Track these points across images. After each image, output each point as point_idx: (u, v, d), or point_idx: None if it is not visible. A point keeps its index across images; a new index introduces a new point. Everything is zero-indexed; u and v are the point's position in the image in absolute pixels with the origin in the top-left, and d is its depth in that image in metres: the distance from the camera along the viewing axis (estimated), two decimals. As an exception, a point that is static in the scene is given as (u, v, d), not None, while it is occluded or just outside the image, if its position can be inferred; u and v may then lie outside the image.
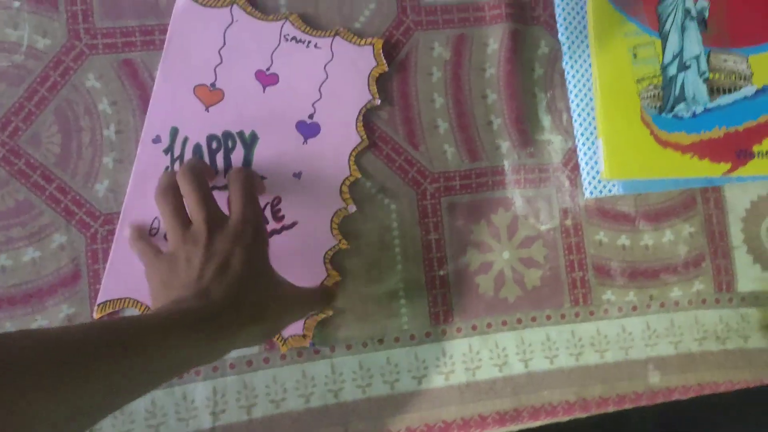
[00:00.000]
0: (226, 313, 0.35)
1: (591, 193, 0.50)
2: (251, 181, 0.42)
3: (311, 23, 0.48)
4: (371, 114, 0.49)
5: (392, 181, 0.49)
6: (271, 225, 0.46)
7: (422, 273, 0.48)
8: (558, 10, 0.51)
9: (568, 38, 0.51)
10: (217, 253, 0.37)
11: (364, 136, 0.47)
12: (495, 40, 0.51)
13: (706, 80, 0.50)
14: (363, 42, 0.48)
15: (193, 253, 0.37)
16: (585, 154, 0.50)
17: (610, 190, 0.50)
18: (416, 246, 0.48)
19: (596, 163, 0.50)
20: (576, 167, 0.51)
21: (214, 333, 0.34)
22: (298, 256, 0.46)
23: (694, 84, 0.50)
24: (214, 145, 0.46)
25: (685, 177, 0.50)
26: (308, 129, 0.47)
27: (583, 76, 0.51)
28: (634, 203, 0.51)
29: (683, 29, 0.51)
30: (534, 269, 0.50)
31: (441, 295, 0.48)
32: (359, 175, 0.47)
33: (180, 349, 0.33)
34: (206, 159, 0.46)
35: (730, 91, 0.51)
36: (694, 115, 0.50)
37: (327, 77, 0.47)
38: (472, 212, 0.49)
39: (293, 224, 0.46)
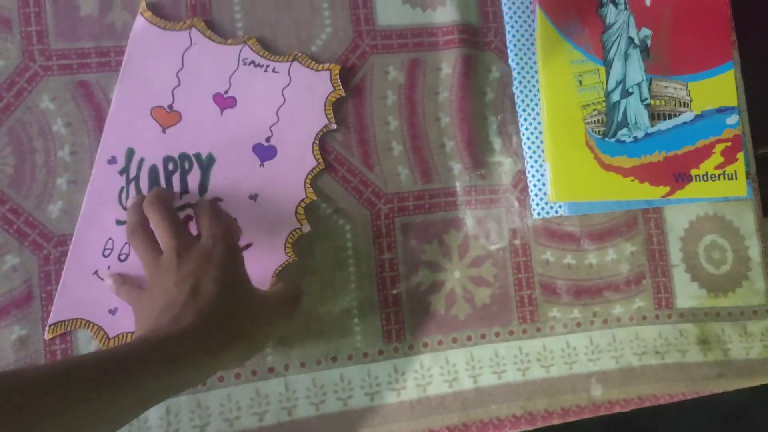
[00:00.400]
0: (198, 337, 0.35)
1: (539, 213, 0.52)
2: (217, 207, 0.43)
3: (269, 47, 0.49)
4: (327, 136, 0.50)
5: (347, 201, 0.50)
6: None
7: (376, 292, 0.50)
8: (509, 37, 0.53)
9: (518, 64, 0.53)
10: (187, 277, 0.38)
11: (320, 160, 0.48)
12: (448, 64, 0.52)
13: (647, 106, 0.53)
14: (320, 67, 0.49)
15: (166, 280, 0.38)
16: (533, 176, 0.52)
17: (556, 212, 0.52)
18: (370, 265, 0.50)
19: (544, 185, 0.52)
20: (525, 189, 0.53)
21: (188, 357, 0.34)
22: (252, 276, 0.47)
23: (636, 110, 0.53)
24: (171, 166, 0.46)
25: (627, 199, 0.53)
26: (265, 152, 0.48)
27: (532, 101, 0.53)
28: (579, 223, 0.53)
29: (626, 57, 0.53)
30: (484, 288, 0.51)
31: (394, 314, 0.50)
32: (315, 197, 0.48)
33: (155, 378, 0.33)
34: (162, 181, 0.46)
35: (670, 117, 0.53)
36: (635, 139, 0.52)
37: (284, 101, 0.48)
38: (425, 232, 0.51)
39: (248, 245, 0.47)
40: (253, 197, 0.47)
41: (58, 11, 0.46)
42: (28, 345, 0.44)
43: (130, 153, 0.46)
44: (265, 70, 0.48)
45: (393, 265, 0.50)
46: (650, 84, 0.53)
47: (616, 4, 0.53)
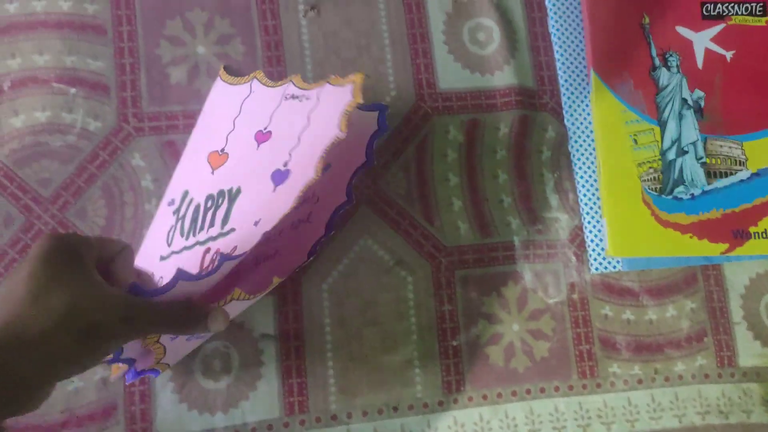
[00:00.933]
0: None
1: (596, 268, 0.53)
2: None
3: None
4: (391, 190, 0.52)
5: (409, 254, 0.52)
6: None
7: (436, 343, 0.51)
8: (564, 99, 0.56)
9: (573, 124, 0.55)
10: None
11: (318, 171, 0.41)
12: (506, 125, 0.55)
13: (703, 164, 0.54)
14: (346, 81, 0.44)
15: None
16: (591, 231, 0.53)
17: (614, 267, 0.53)
18: (430, 317, 0.51)
19: (601, 240, 0.53)
20: (582, 244, 0.54)
21: None
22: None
23: (692, 168, 0.54)
24: (209, 203, 0.47)
25: (686, 256, 0.53)
26: (280, 176, 0.45)
27: (587, 159, 0.54)
28: (637, 279, 0.54)
29: (680, 117, 0.55)
30: (542, 341, 0.52)
31: (453, 365, 0.51)
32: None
33: None
34: (200, 219, 0.46)
35: (726, 175, 0.54)
36: (692, 197, 0.53)
37: (308, 124, 0.45)
38: (484, 285, 0.52)
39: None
40: (256, 223, 0.43)
41: (151, 79, 0.51)
42: (109, 386, 0.47)
43: (185, 194, 0.48)
44: (301, 101, 0.47)
45: (453, 317, 0.52)
46: (705, 143, 0.54)
47: (668, 67, 0.55)
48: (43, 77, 0.50)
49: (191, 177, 0.49)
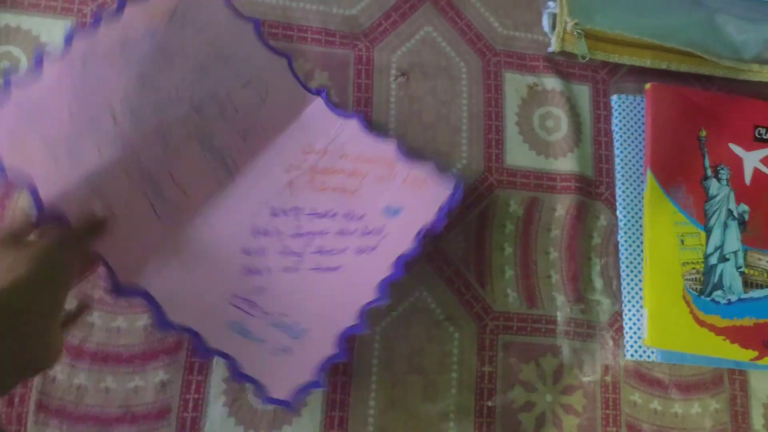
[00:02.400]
0: None
1: (632, 355, 0.56)
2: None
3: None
4: (450, 250, 0.56)
5: (459, 312, 0.55)
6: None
7: (473, 401, 0.53)
8: (619, 192, 0.60)
9: (625, 216, 0.59)
10: None
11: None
12: (562, 207, 0.59)
13: (742, 273, 0.57)
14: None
15: None
16: (630, 319, 0.57)
17: (649, 356, 0.56)
18: (471, 374, 0.54)
19: (639, 329, 0.56)
20: (620, 329, 0.57)
21: None
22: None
23: (731, 275, 0.57)
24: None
25: (717, 356, 0.56)
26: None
27: (635, 251, 0.58)
28: (668, 372, 0.57)
29: (725, 227, 0.59)
30: (572, 416, 0.54)
31: (486, 425, 0.53)
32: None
33: None
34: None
35: (762, 286, 0.58)
36: (729, 302, 0.57)
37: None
38: (524, 353, 0.55)
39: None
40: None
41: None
42: (167, 389, 0.49)
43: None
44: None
45: (492, 379, 0.54)
46: (746, 254, 0.58)
47: (719, 179, 0.60)
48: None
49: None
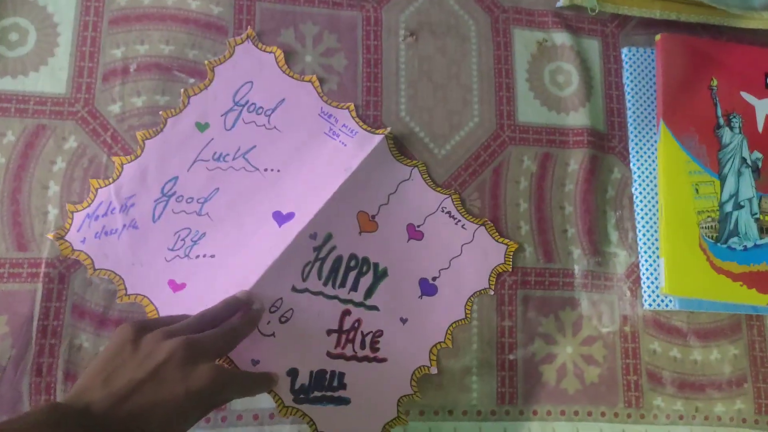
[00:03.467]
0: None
1: (650, 305, 0.56)
2: (244, 331, 0.46)
3: (427, 130, 0.57)
4: (466, 207, 0.56)
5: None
6: (366, 352, 0.52)
7: (494, 355, 0.54)
8: (632, 144, 0.60)
9: (638, 168, 0.59)
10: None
11: (469, 316, 0.54)
12: (575, 161, 0.59)
13: (757, 220, 0.58)
14: (500, 240, 0.56)
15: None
16: (647, 269, 0.57)
17: (667, 305, 0.56)
18: (492, 329, 0.54)
19: (656, 278, 0.56)
20: (637, 280, 0.57)
21: None
22: (373, 388, 0.51)
23: (746, 222, 0.58)
24: (352, 264, 0.53)
25: (734, 302, 0.56)
26: (428, 288, 0.54)
27: (649, 202, 0.58)
28: (686, 320, 0.57)
29: (739, 174, 0.59)
30: (593, 367, 0.55)
31: (509, 378, 0.54)
32: (450, 345, 0.53)
33: None
34: (341, 272, 0.52)
35: (777, 232, 0.58)
36: (745, 248, 0.57)
37: (461, 254, 0.55)
38: (543, 307, 0.56)
39: (383, 360, 0.52)
40: (404, 320, 0.53)
41: (263, 78, 0.56)
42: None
43: (328, 237, 0.52)
44: (456, 223, 0.55)
45: (512, 333, 0.55)
46: (760, 201, 0.58)
47: (731, 128, 0.60)
48: (166, 65, 0.54)
49: (338, 223, 0.52)
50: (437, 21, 0.60)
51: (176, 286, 0.50)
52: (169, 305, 0.50)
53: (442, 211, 0.55)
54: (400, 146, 0.56)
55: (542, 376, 0.54)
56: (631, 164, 0.60)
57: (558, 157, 0.59)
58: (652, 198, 0.58)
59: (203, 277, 0.51)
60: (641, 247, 0.58)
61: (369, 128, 0.55)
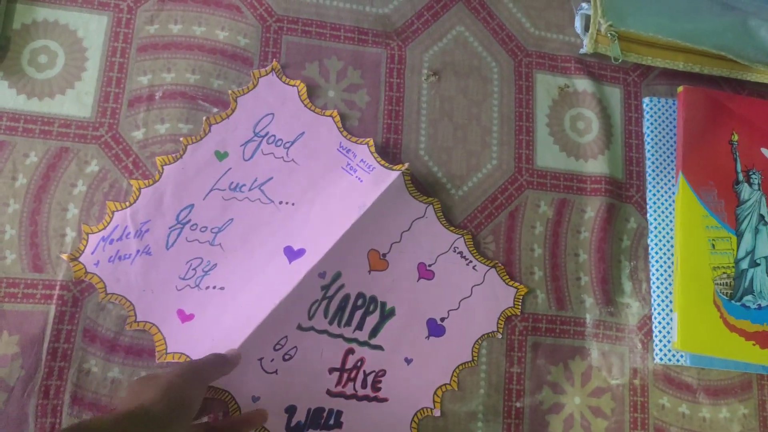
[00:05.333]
0: None
1: (661, 359, 0.56)
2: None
3: (443, 169, 0.57)
4: (480, 250, 0.56)
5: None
6: (366, 392, 0.52)
7: (501, 401, 0.53)
8: (649, 195, 0.60)
9: (655, 219, 0.59)
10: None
11: (476, 358, 0.54)
12: (592, 209, 0.59)
13: (772, 279, 0.57)
14: (510, 283, 0.55)
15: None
16: (659, 323, 0.57)
17: (678, 360, 0.56)
18: (500, 375, 0.54)
19: (668, 332, 0.56)
20: (649, 333, 0.57)
21: None
22: (371, 428, 0.51)
23: (762, 280, 0.57)
24: (359, 302, 0.53)
25: (746, 361, 0.56)
26: (436, 328, 0.54)
27: (665, 254, 0.58)
28: (697, 376, 0.56)
29: (756, 231, 0.58)
30: (601, 419, 0.54)
31: (515, 425, 0.53)
32: (456, 388, 0.53)
33: None
34: (347, 310, 0.52)
35: (792, 292, 0.57)
36: (759, 307, 0.56)
37: (470, 295, 0.55)
38: (553, 354, 0.55)
39: (384, 400, 0.52)
40: (408, 360, 0.53)
41: (285, 111, 0.56)
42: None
43: (337, 276, 0.52)
44: (467, 264, 0.55)
45: (520, 380, 0.54)
46: (777, 259, 0.58)
47: (750, 184, 0.59)
48: (191, 93, 0.55)
49: (347, 262, 0.52)
50: (461, 62, 0.60)
51: (185, 317, 0.50)
52: (176, 335, 0.50)
53: (454, 251, 0.55)
54: (416, 183, 0.56)
55: (549, 425, 0.54)
56: (648, 215, 0.59)
57: (575, 203, 0.59)
58: (668, 250, 0.58)
59: (212, 310, 0.51)
60: (654, 300, 0.57)
61: (387, 164, 0.54)
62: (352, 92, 0.58)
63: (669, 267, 0.58)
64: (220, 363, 0.45)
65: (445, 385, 0.52)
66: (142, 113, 0.54)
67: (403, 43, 0.60)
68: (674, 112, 0.62)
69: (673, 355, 0.56)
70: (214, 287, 0.51)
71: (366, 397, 0.51)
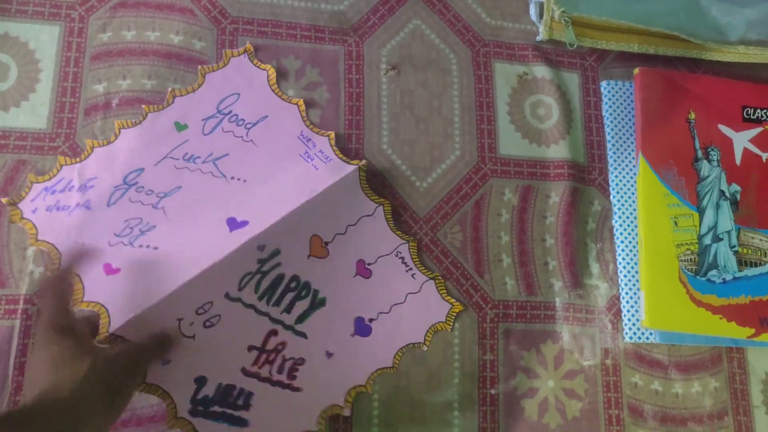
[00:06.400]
0: None
1: (630, 338, 0.56)
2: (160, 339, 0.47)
3: (408, 162, 0.57)
4: (447, 241, 0.56)
5: (458, 302, 0.55)
6: (281, 377, 0.51)
7: (476, 389, 0.54)
8: (611, 177, 0.61)
9: (618, 200, 0.60)
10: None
11: (396, 366, 0.53)
12: (556, 194, 0.59)
13: (735, 252, 0.58)
14: (447, 299, 0.55)
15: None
16: (627, 302, 0.57)
17: (647, 338, 0.56)
18: (473, 363, 0.54)
19: (637, 311, 0.57)
20: (618, 313, 0.57)
21: None
22: (277, 416, 0.50)
23: (725, 254, 0.58)
24: (292, 285, 0.52)
25: (714, 335, 0.57)
26: (362, 328, 0.53)
27: (630, 234, 0.59)
28: (667, 352, 0.57)
29: (718, 207, 0.59)
30: (575, 401, 0.55)
31: (490, 413, 0.53)
32: (369, 391, 0.52)
33: None
34: (278, 291, 0.51)
35: (756, 264, 0.58)
36: (724, 281, 0.57)
37: (404, 302, 0.54)
38: (525, 340, 0.56)
39: (297, 389, 0.51)
40: (329, 354, 0.52)
41: (245, 112, 0.56)
42: (170, 391, 0.49)
43: (276, 252, 0.51)
44: (407, 271, 0.55)
45: (494, 367, 0.55)
46: (739, 233, 0.59)
47: (709, 160, 0.60)
48: (149, 99, 0.54)
49: (288, 239, 0.51)
50: (419, 55, 0.61)
51: (110, 270, 0.49)
52: (97, 285, 0.49)
53: (397, 255, 0.55)
54: (372, 182, 0.56)
55: (524, 410, 0.54)
56: (612, 197, 0.60)
57: (539, 189, 0.59)
58: (632, 231, 0.59)
59: (139, 266, 0.49)
60: (621, 280, 0.58)
61: (345, 158, 0.55)
62: (311, 90, 0.58)
63: (634, 247, 0.58)
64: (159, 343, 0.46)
65: (359, 386, 0.52)
66: (99, 121, 0.53)
67: (360, 39, 0.60)
68: (632, 94, 0.63)
69: (643, 333, 0.56)
70: (148, 246, 0.50)
71: (280, 383, 0.50)
